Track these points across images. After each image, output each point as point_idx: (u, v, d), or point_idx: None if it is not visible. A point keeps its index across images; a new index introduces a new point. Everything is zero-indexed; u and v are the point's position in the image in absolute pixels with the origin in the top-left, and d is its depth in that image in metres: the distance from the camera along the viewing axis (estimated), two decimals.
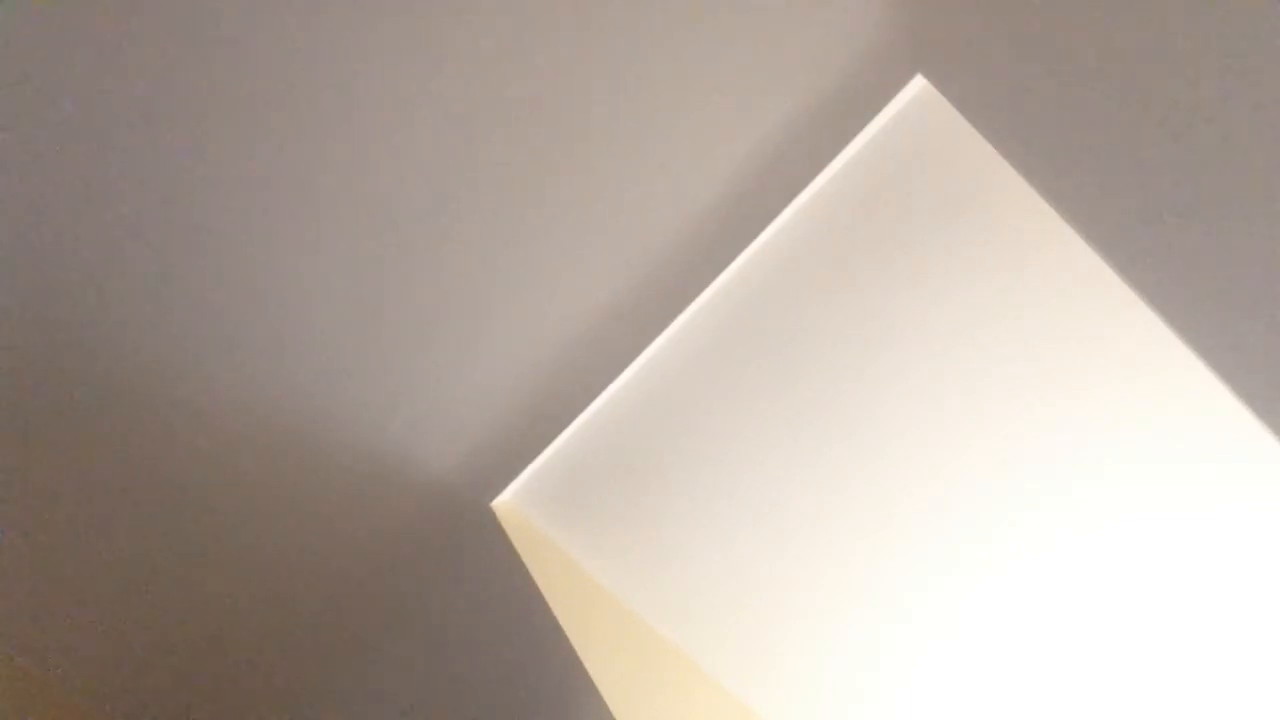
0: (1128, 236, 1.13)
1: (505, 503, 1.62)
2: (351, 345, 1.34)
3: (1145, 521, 1.56)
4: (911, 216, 1.41)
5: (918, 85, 1.31)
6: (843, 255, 1.43)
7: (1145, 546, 1.58)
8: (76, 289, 1.19)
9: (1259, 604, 1.59)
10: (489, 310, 1.36)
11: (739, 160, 1.32)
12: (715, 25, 1.19)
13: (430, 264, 1.30)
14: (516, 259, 1.32)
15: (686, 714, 1.63)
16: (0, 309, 1.18)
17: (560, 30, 1.14)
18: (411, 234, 1.26)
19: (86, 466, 1.37)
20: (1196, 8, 1.01)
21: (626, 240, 1.35)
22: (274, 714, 1.79)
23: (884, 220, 1.41)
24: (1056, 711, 1.69)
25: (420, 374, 1.40)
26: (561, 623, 1.53)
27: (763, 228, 1.42)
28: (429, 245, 1.28)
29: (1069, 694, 1.68)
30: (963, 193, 1.38)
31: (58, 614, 1.55)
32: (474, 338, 1.39)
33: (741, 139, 1.30)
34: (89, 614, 1.56)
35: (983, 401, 1.51)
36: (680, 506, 1.62)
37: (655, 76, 1.21)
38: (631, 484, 1.61)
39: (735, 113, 1.27)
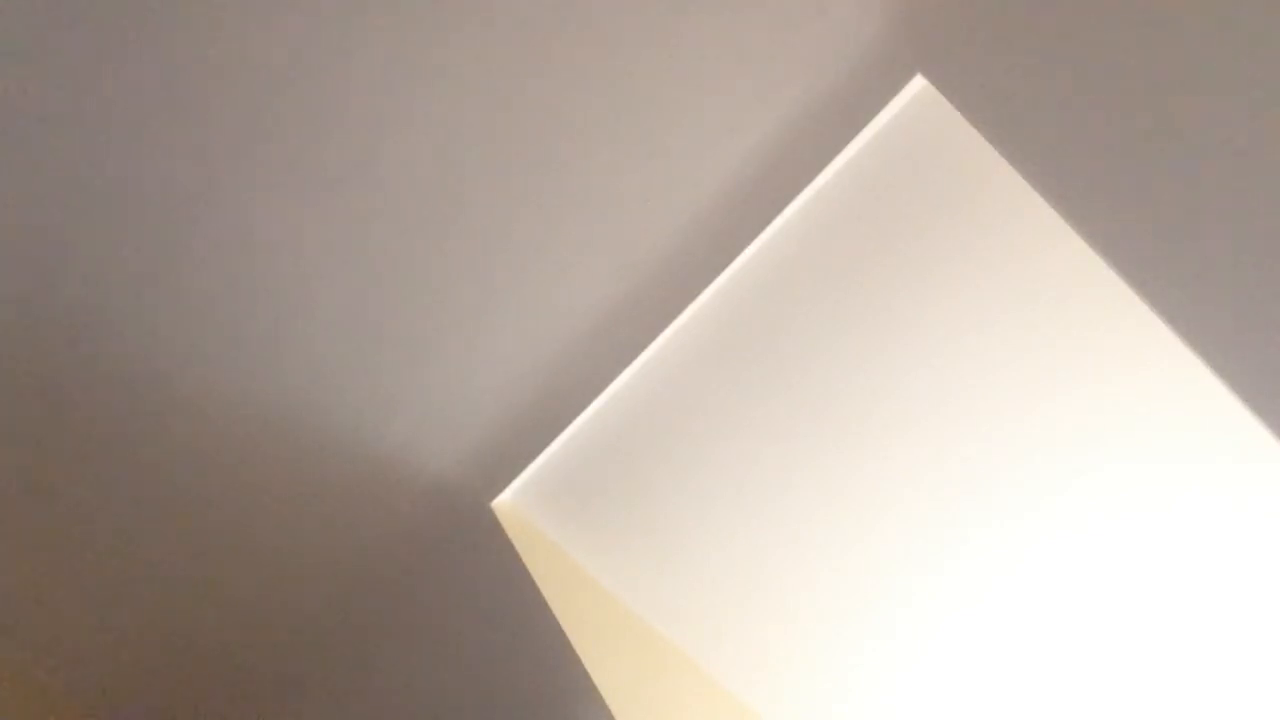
0: (1128, 236, 1.13)
1: (505, 503, 1.62)
2: (351, 345, 1.34)
3: (1145, 522, 1.56)
4: (911, 217, 1.41)
5: (918, 85, 1.31)
6: (842, 255, 1.43)
7: (1145, 547, 1.58)
8: (76, 291, 1.19)
9: (1257, 604, 1.59)
10: (489, 310, 1.37)
11: (738, 160, 1.32)
12: (714, 25, 1.19)
13: (430, 264, 1.30)
14: (516, 259, 1.32)
15: (686, 714, 1.63)
16: (0, 309, 1.18)
17: (557, 31, 1.14)
18: (411, 234, 1.26)
19: (87, 467, 1.37)
20: (1196, 8, 1.01)
21: (626, 241, 1.36)
22: (273, 713, 1.79)
23: (884, 220, 1.41)
24: (1058, 708, 1.69)
25: (420, 374, 1.40)
26: (562, 623, 1.53)
27: (763, 228, 1.42)
28: (428, 245, 1.28)
29: (1069, 690, 1.68)
30: (963, 193, 1.38)
31: (58, 614, 1.55)
32: (474, 337, 1.39)
33: (740, 139, 1.30)
34: (88, 614, 1.56)
35: (982, 402, 1.51)
36: (680, 506, 1.62)
37: (653, 77, 1.21)
38: (631, 484, 1.61)
39: (734, 113, 1.27)
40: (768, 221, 1.41)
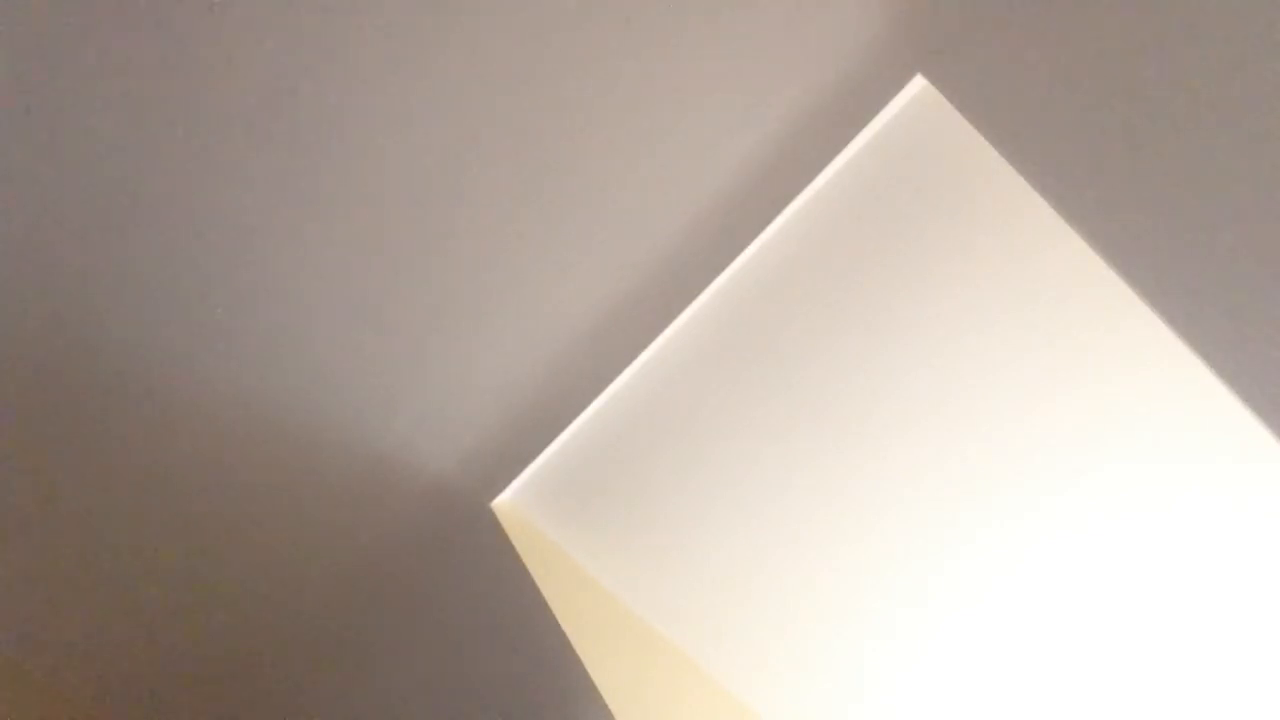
0: (1127, 236, 1.13)
1: (505, 503, 1.62)
2: (352, 345, 1.34)
3: (1145, 522, 1.56)
4: (911, 217, 1.41)
5: (918, 85, 1.31)
6: (842, 256, 1.43)
7: (1145, 547, 1.58)
8: (75, 292, 1.19)
9: (1257, 604, 1.59)
10: (489, 310, 1.37)
11: (739, 160, 1.32)
12: (715, 26, 1.19)
13: (430, 264, 1.30)
14: (516, 258, 1.32)
15: (686, 714, 1.63)
16: (0, 309, 1.18)
17: (557, 32, 1.14)
18: (411, 234, 1.26)
19: (86, 466, 1.37)
20: (1196, 7, 1.01)
21: (626, 241, 1.35)
22: (274, 713, 1.79)
23: (883, 220, 1.41)
24: (1058, 707, 1.69)
25: (420, 374, 1.40)
26: (561, 622, 1.53)
27: (763, 227, 1.42)
28: (429, 245, 1.28)
29: (1069, 690, 1.68)
30: (963, 193, 1.38)
31: (57, 614, 1.55)
32: (474, 337, 1.39)
33: (741, 139, 1.30)
34: (88, 614, 1.56)
35: (982, 402, 1.51)
36: (680, 506, 1.62)
37: (654, 78, 1.21)
38: (632, 484, 1.61)
39: (734, 113, 1.27)
40: (768, 221, 1.41)
